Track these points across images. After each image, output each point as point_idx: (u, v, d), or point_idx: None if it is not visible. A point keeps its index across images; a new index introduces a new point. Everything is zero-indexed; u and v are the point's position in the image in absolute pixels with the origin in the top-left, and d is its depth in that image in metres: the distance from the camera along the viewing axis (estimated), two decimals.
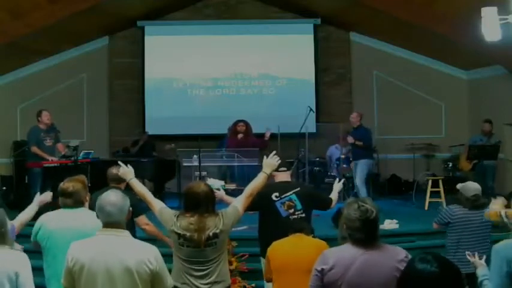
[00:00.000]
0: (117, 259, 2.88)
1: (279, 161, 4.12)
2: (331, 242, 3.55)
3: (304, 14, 11.13)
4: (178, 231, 3.53)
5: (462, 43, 8.96)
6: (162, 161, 9.57)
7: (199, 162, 8.33)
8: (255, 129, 9.23)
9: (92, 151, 8.55)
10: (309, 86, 11.13)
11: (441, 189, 8.49)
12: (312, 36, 11.15)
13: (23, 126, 9.67)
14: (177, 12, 11.22)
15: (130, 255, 2.90)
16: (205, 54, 10.99)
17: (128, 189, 4.31)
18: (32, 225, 3.90)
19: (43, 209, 4.17)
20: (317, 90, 11.13)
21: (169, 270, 3.16)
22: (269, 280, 4.07)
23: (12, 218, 3.79)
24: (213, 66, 11.07)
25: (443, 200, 8.35)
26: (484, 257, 3.55)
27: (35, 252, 3.79)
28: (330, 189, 4.93)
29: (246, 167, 8.28)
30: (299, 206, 4.53)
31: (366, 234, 2.81)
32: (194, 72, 11.11)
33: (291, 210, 4.51)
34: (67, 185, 3.81)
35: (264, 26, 11.12)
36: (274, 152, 4.14)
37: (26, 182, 8.77)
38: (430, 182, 8.66)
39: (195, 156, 8.47)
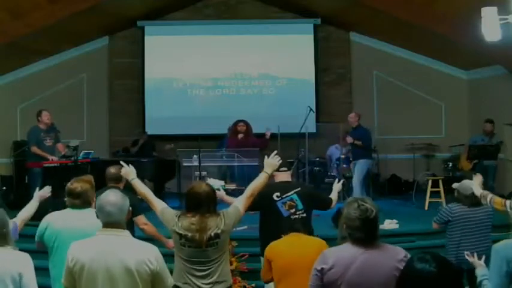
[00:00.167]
0: (117, 259, 2.87)
1: (280, 161, 4.12)
2: (331, 242, 3.54)
3: (304, 14, 11.13)
4: (180, 232, 3.52)
5: (462, 43, 8.95)
6: (162, 161, 9.57)
7: (199, 162, 8.33)
8: (255, 129, 9.22)
9: (92, 151, 8.55)
10: (309, 86, 11.13)
11: (441, 189, 8.49)
12: (312, 36, 11.15)
13: (23, 126, 9.67)
14: (177, 12, 11.22)
15: (131, 255, 2.89)
16: (205, 54, 10.99)
17: (127, 189, 4.30)
18: (32, 225, 3.87)
19: (43, 208, 4.15)
20: (317, 90, 11.13)
21: (170, 270, 3.15)
22: (268, 281, 4.04)
23: (12, 218, 3.73)
24: (213, 66, 11.06)
25: (443, 200, 8.35)
26: (484, 257, 3.55)
27: (38, 252, 3.73)
28: (330, 189, 4.93)
29: (246, 167, 8.29)
30: (300, 206, 4.53)
31: (366, 233, 2.81)
32: (194, 72, 11.10)
33: (292, 210, 4.50)
34: (75, 185, 3.77)
35: (264, 26, 11.12)
36: (275, 151, 4.13)
37: (26, 182, 8.78)
38: (430, 182, 8.66)
39: (195, 156, 8.48)
